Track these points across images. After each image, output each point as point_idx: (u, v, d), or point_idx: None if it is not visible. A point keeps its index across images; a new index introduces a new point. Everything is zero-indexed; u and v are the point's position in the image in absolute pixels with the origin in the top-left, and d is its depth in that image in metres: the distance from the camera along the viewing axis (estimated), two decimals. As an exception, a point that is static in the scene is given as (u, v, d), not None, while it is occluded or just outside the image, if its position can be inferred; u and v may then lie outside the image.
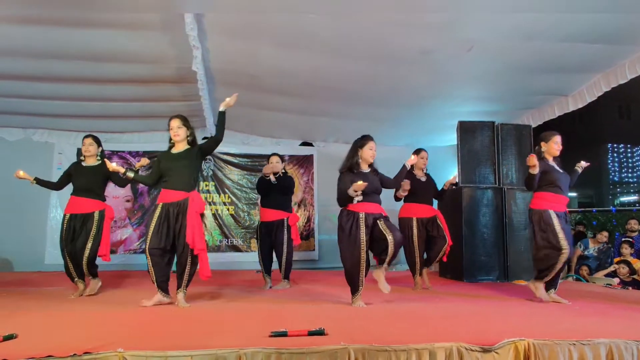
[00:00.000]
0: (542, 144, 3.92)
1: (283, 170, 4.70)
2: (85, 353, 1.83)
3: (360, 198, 3.46)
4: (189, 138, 3.56)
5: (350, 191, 3.36)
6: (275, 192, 4.58)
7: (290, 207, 4.77)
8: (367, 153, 3.69)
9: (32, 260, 6.66)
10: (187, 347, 1.93)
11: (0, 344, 2.03)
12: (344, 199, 3.51)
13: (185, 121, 3.58)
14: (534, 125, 6.07)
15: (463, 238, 5.18)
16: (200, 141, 7.89)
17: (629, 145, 17.79)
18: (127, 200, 7.33)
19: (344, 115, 6.72)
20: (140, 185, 7.39)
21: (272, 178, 4.59)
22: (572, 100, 5.60)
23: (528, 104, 6.14)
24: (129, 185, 7.35)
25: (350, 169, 3.63)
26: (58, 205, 6.93)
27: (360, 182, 3.33)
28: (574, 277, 5.80)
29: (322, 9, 3.85)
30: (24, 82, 5.25)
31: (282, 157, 4.76)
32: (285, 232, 4.55)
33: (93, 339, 2.09)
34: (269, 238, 4.55)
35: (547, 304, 3.57)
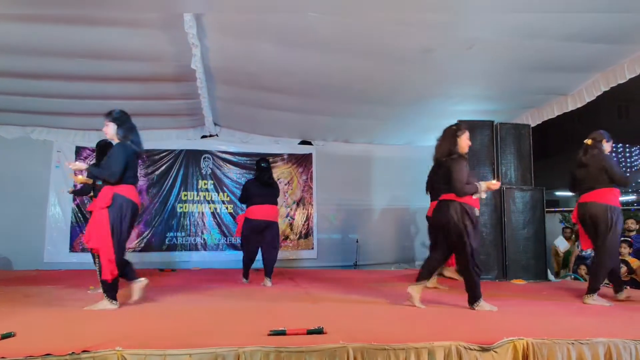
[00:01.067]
0: (604, 141, 3.87)
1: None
2: (84, 351, 1.82)
3: (484, 195, 3.36)
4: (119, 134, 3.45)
5: (482, 193, 3.29)
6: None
7: None
8: (465, 142, 3.51)
9: (31, 258, 6.65)
10: (186, 345, 1.92)
11: (-2, 342, 2.03)
12: (467, 190, 3.24)
13: (113, 118, 3.48)
14: (533, 125, 6.08)
15: (462, 237, 5.18)
16: (198, 140, 7.88)
17: (627, 145, 17.83)
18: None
19: (343, 114, 6.72)
20: (139, 184, 7.38)
21: None
22: (572, 99, 5.61)
23: (527, 103, 6.15)
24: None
25: (460, 156, 3.44)
26: (57, 204, 6.93)
27: (495, 182, 3.32)
28: (572, 276, 5.81)
29: (322, 7, 3.85)
30: (22, 79, 5.23)
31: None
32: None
33: (91, 338, 2.08)
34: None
35: (546, 303, 3.57)
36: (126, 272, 3.34)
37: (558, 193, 16.70)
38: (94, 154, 7.16)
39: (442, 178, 3.44)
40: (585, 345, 2.14)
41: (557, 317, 2.95)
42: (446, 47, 4.56)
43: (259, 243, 4.90)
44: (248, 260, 5.02)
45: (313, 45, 4.59)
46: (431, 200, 4.57)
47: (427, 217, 4.68)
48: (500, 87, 5.60)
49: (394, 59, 4.80)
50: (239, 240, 7.44)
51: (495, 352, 2.06)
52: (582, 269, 5.93)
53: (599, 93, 5.16)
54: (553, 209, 8.58)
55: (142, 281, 3.41)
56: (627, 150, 17.86)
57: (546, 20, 4.00)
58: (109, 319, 2.75)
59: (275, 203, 5.02)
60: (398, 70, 5.11)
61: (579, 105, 5.52)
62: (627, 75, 4.71)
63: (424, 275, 3.46)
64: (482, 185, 3.29)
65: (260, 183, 4.98)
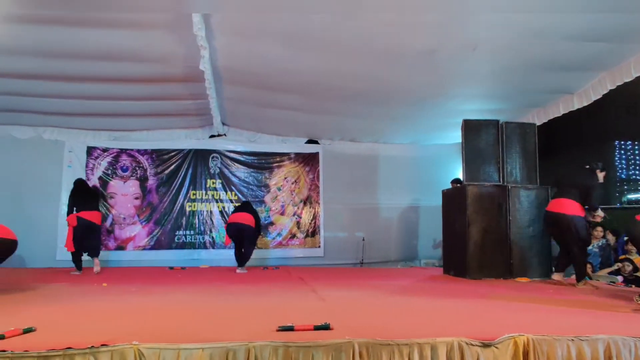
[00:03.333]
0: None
1: None
2: (102, 345, 1.91)
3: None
4: None
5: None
6: None
7: None
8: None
9: (43, 256, 6.79)
10: (199, 340, 2.00)
11: (20, 337, 2.12)
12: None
13: None
14: (538, 124, 6.09)
15: (467, 235, 5.22)
16: (206, 139, 7.97)
17: (636, 143, 17.63)
18: (136, 198, 7.44)
19: (349, 114, 6.77)
20: (149, 183, 7.51)
21: None
22: (577, 98, 5.61)
23: (533, 102, 6.15)
24: (137, 183, 7.50)
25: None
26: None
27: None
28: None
29: (328, 8, 3.90)
30: (34, 80, 5.35)
31: None
32: None
33: (109, 332, 2.18)
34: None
35: (549, 300, 3.61)
36: None
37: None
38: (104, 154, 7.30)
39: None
40: (585, 341, 2.19)
41: (558, 314, 2.99)
42: (451, 47, 4.59)
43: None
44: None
45: (320, 46, 4.65)
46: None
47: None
48: (506, 86, 5.61)
49: (399, 59, 4.85)
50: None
51: (497, 347, 2.11)
52: (587, 267, 5.93)
53: (605, 91, 5.16)
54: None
55: None
56: (636, 147, 17.66)
57: (552, 19, 4.02)
58: (124, 314, 2.85)
59: None
60: (404, 70, 5.16)
61: (585, 103, 5.52)
62: (633, 73, 4.70)
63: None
64: None
65: None
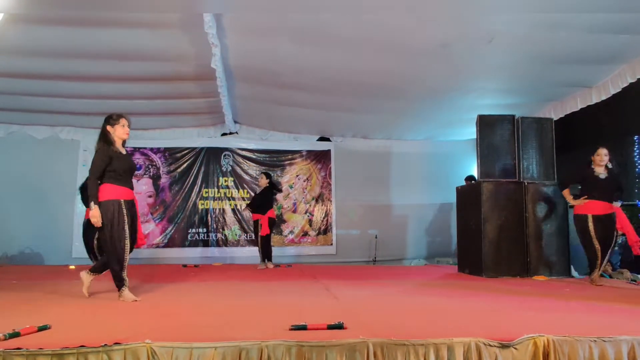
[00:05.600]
0: None
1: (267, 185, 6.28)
2: (115, 343, 1.91)
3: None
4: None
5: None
6: None
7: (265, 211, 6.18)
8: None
9: (60, 254, 6.91)
10: (212, 339, 1.99)
11: (35, 334, 2.14)
12: None
13: None
14: (555, 119, 5.95)
15: (482, 233, 5.14)
16: (218, 137, 8.01)
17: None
18: (149, 196, 7.51)
19: (362, 110, 6.72)
20: (162, 181, 7.57)
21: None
22: (596, 91, 5.47)
23: (550, 96, 6.02)
24: (150, 181, 7.55)
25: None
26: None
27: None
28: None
29: (340, 4, 3.86)
30: (50, 81, 5.43)
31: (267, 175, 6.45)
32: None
33: (122, 330, 2.18)
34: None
35: (568, 299, 3.53)
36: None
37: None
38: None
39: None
40: (608, 342, 2.11)
41: (579, 313, 2.91)
42: (466, 41, 4.51)
43: None
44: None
45: (331, 42, 4.61)
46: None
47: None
48: (522, 80, 5.50)
49: (412, 53, 4.78)
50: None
51: (515, 349, 2.05)
52: (607, 265, 5.78)
53: (625, 85, 5.01)
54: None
55: None
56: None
57: (570, 11, 3.91)
58: (137, 313, 2.86)
59: None
60: (417, 65, 5.09)
61: (604, 97, 5.38)
62: (654, 66, 4.57)
63: None
64: None
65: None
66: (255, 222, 6.31)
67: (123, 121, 3.39)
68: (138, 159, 7.50)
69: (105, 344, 1.90)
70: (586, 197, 4.51)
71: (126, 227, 3.23)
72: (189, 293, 3.83)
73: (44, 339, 2.04)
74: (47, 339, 2.04)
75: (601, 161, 4.49)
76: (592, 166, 4.55)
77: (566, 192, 4.73)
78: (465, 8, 3.92)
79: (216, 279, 4.92)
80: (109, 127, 3.37)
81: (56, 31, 4.35)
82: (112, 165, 3.27)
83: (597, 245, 4.43)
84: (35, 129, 7.21)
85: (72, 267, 6.00)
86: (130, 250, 3.32)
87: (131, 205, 3.36)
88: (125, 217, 3.24)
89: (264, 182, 6.32)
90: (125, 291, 3.27)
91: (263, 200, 6.26)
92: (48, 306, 3.06)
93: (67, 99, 6.06)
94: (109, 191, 3.26)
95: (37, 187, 7.05)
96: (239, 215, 7.67)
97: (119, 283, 3.29)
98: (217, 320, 2.58)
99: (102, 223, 3.20)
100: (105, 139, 3.34)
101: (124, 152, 3.44)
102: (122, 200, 3.26)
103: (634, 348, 2.12)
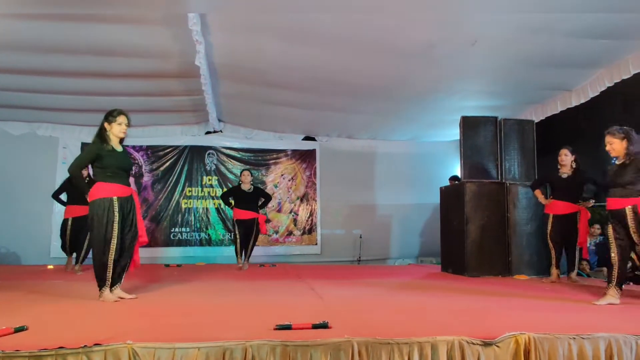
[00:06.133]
0: None
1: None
2: (96, 345, 1.86)
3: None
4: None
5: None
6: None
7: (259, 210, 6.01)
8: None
9: (38, 253, 6.74)
10: (195, 339, 1.96)
11: (12, 336, 2.07)
12: None
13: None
14: (536, 121, 6.07)
15: (465, 233, 5.20)
16: (202, 136, 7.90)
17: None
18: (131, 194, 7.38)
19: (347, 110, 6.74)
20: (144, 180, 7.45)
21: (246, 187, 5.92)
22: (575, 95, 5.60)
23: (531, 98, 6.14)
24: (132, 179, 7.43)
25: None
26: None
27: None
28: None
29: (327, 4, 3.85)
30: (28, 76, 5.29)
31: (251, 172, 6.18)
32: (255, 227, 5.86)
33: (102, 331, 2.13)
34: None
35: (548, 298, 3.60)
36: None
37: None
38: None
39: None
40: (587, 340, 2.17)
41: (558, 312, 2.97)
42: (451, 43, 4.56)
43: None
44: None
45: (317, 42, 4.61)
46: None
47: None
48: (505, 83, 5.59)
49: (398, 54, 4.82)
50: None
51: (498, 346, 2.08)
52: (585, 265, 5.94)
53: (603, 88, 5.15)
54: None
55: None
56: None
57: (550, 16, 4.00)
58: (118, 313, 2.80)
59: None
60: (402, 66, 5.13)
61: (583, 100, 5.52)
62: (631, 70, 4.70)
63: None
64: None
65: None
66: (252, 221, 5.94)
67: (121, 119, 3.31)
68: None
69: (85, 345, 1.85)
70: (552, 197, 4.63)
71: (115, 226, 3.15)
72: (171, 293, 3.77)
73: (20, 340, 1.98)
74: (24, 340, 1.98)
75: (562, 161, 4.58)
76: (558, 166, 4.68)
77: (538, 192, 4.84)
78: (449, 10, 3.97)
79: (199, 278, 4.86)
80: (106, 124, 3.30)
81: (34, 25, 4.23)
82: (102, 162, 3.20)
83: (551, 245, 4.57)
84: (11, 125, 7.01)
85: (51, 266, 5.88)
86: (130, 249, 3.27)
87: (127, 201, 3.27)
88: (116, 215, 3.16)
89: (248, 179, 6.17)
90: (106, 291, 3.21)
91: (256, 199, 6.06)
92: (26, 307, 2.98)
93: (45, 95, 5.91)
94: (100, 189, 3.20)
95: (14, 184, 6.86)
96: (222, 214, 7.60)
97: (101, 282, 3.22)
98: (200, 320, 2.55)
99: (91, 221, 3.13)
100: (100, 135, 3.28)
101: (119, 149, 3.36)
102: (114, 198, 3.18)
103: (611, 345, 2.18)
